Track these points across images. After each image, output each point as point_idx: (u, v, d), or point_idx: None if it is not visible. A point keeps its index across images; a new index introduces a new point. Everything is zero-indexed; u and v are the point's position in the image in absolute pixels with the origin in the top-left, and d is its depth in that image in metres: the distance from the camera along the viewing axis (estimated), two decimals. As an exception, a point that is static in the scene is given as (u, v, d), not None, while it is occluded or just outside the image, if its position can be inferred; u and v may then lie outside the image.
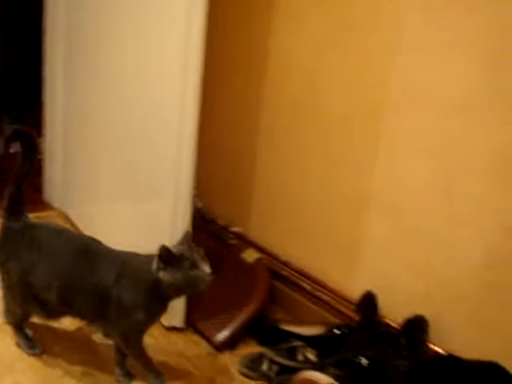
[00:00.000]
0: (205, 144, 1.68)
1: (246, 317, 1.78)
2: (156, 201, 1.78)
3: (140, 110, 1.80)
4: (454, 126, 1.48)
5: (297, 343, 1.66)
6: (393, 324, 1.61)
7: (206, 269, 1.41)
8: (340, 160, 1.76)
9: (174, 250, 1.40)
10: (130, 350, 1.52)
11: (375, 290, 1.66)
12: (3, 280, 1.56)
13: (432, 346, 1.53)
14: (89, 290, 1.45)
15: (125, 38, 1.83)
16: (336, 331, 1.68)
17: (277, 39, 1.89)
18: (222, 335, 1.74)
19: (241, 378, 1.63)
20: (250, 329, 1.79)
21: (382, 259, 1.68)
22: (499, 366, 1.21)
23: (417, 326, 1.55)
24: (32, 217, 1.58)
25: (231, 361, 1.68)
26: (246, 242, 2.04)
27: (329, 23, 1.74)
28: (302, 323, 1.78)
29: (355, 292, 1.70)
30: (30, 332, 1.62)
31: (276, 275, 1.93)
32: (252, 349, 1.73)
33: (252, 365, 1.64)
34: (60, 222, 2.23)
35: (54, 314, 1.55)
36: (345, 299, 1.76)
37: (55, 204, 2.41)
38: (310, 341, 1.67)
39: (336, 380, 1.38)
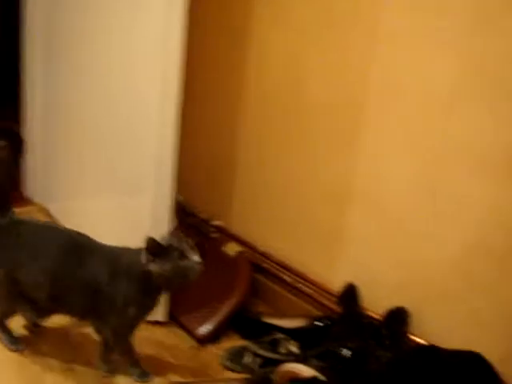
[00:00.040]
0: (186, 138, 1.68)
1: (228, 310, 1.78)
2: (137, 195, 1.77)
3: (119, 104, 1.79)
4: (434, 121, 1.49)
5: (279, 336, 1.67)
6: (374, 316, 1.62)
7: (196, 258, 1.40)
8: (322, 153, 1.76)
9: (162, 241, 1.40)
10: (119, 345, 1.52)
11: (357, 282, 1.67)
12: None
13: (413, 336, 1.55)
14: (80, 285, 1.44)
15: (107, 33, 1.82)
16: (318, 323, 1.69)
17: (258, 31, 1.89)
18: (205, 329, 1.74)
19: (224, 371, 1.63)
20: (233, 322, 1.79)
21: (364, 251, 1.69)
22: (479, 355, 1.23)
23: (398, 318, 1.56)
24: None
25: (214, 354, 1.69)
26: (228, 236, 2.04)
27: (310, 16, 1.74)
28: (284, 316, 1.79)
29: (337, 284, 1.71)
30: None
31: (258, 268, 1.94)
32: (234, 342, 1.73)
33: (235, 358, 1.64)
34: (41, 217, 2.21)
35: (43, 312, 1.53)
36: (326, 291, 1.77)
37: (36, 199, 2.39)
38: (292, 333, 1.67)
39: (319, 372, 1.39)
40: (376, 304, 1.62)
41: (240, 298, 1.81)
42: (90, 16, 1.90)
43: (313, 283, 1.81)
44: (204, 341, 1.73)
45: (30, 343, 1.61)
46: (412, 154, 1.54)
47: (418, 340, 1.54)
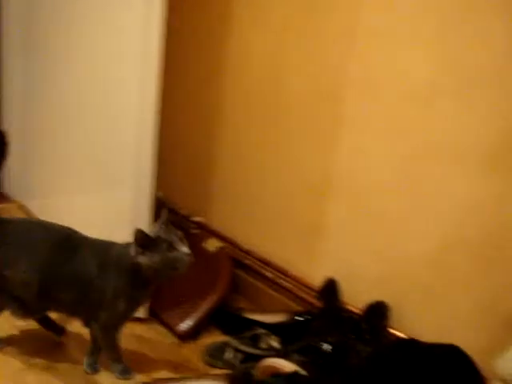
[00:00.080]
0: (166, 133, 1.68)
1: (209, 306, 1.78)
2: (117, 191, 1.77)
3: (99, 99, 1.78)
4: (414, 117, 1.50)
5: (260, 331, 1.67)
6: (354, 310, 1.63)
7: (185, 249, 1.40)
8: (302, 149, 1.77)
9: (150, 233, 1.39)
10: (107, 340, 1.51)
11: (337, 277, 1.68)
12: None
13: (393, 330, 1.56)
14: (69, 279, 1.43)
15: (84, 24, 1.81)
16: (299, 318, 1.69)
17: (238, 32, 1.89)
18: (186, 325, 1.74)
19: (205, 366, 1.63)
20: (213, 318, 1.79)
21: (344, 246, 1.70)
22: (458, 348, 1.24)
23: (378, 312, 1.57)
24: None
25: (195, 350, 1.68)
26: (208, 232, 2.04)
27: (288, 8, 1.74)
28: (264, 311, 1.79)
29: (317, 279, 1.72)
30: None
31: (238, 264, 1.94)
32: (215, 338, 1.73)
33: (216, 353, 1.64)
34: (21, 215, 2.21)
35: (31, 311, 1.52)
36: (307, 286, 1.78)
37: (15, 196, 2.37)
38: (273, 328, 1.68)
39: (300, 366, 1.39)
40: (356, 298, 1.63)
41: (221, 293, 1.81)
42: (68, 7, 1.88)
43: (293, 278, 1.82)
44: (185, 337, 1.73)
45: (12, 341, 1.60)
46: (392, 150, 1.55)
47: (397, 334, 1.55)
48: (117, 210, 1.75)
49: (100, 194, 1.85)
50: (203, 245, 1.96)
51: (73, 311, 1.51)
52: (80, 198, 1.96)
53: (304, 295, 1.77)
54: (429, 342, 1.30)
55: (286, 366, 1.39)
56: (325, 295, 1.68)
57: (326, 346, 1.48)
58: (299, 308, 1.77)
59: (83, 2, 1.80)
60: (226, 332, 1.76)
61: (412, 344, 1.33)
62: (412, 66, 1.49)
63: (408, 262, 1.55)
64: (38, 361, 1.54)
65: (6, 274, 1.44)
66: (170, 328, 1.75)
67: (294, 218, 1.82)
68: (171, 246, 1.39)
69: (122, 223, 1.65)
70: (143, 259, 1.38)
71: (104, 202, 1.83)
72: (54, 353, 1.59)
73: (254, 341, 1.65)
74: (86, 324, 1.52)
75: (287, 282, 1.83)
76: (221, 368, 1.61)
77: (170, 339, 1.73)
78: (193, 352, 1.68)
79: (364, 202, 1.63)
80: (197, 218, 2.08)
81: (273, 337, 1.65)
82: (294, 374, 1.36)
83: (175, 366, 1.61)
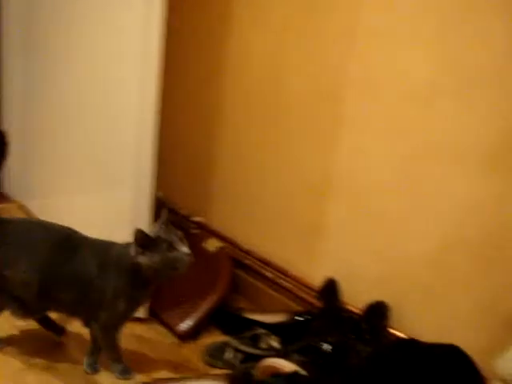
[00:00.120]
0: (166, 134, 1.68)
1: (209, 306, 1.78)
2: (117, 191, 1.77)
3: (100, 99, 1.78)
4: (414, 117, 1.50)
5: (260, 331, 1.67)
6: (354, 310, 1.63)
7: (185, 249, 1.40)
8: (302, 149, 1.77)
9: (150, 233, 1.39)
10: (107, 340, 1.51)
11: (337, 277, 1.68)
12: None
13: (393, 330, 1.56)
14: (69, 279, 1.43)
15: (84, 25, 1.81)
16: (299, 318, 1.69)
17: (239, 32, 1.89)
18: (186, 325, 1.74)
19: (205, 366, 1.62)
20: (214, 318, 1.79)
21: (344, 247, 1.70)
22: (458, 348, 1.24)
23: (378, 312, 1.58)
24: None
25: (195, 350, 1.68)
26: (208, 232, 2.04)
27: (288, 8, 1.74)
28: (264, 311, 1.79)
29: (317, 279, 1.72)
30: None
31: (238, 264, 1.94)
32: (216, 338, 1.73)
33: (216, 353, 1.64)
34: (21, 215, 2.20)
35: (31, 311, 1.52)
36: (307, 286, 1.78)
37: (15, 196, 2.37)
38: (273, 328, 1.68)
39: (300, 366, 1.39)
40: (356, 298, 1.63)
41: (221, 293, 1.81)
42: (68, 7, 1.88)
43: (293, 278, 1.82)
44: (185, 337, 1.73)
45: (12, 341, 1.60)
46: (392, 150, 1.55)
47: (397, 334, 1.55)
48: (117, 209, 1.75)
49: (100, 193, 1.85)
50: (203, 245, 1.96)
51: (73, 311, 1.51)
52: (80, 198, 1.96)
53: (304, 295, 1.77)
54: (429, 342, 1.30)
55: (286, 366, 1.39)
56: (325, 295, 1.68)
57: (326, 346, 1.48)
58: (299, 308, 1.77)
59: (83, 2, 1.80)
60: (225, 332, 1.76)
61: (412, 344, 1.33)
62: (412, 66, 1.49)
63: (408, 262, 1.55)
64: (37, 361, 1.54)
65: (5, 274, 1.44)
66: (170, 328, 1.75)
67: (294, 217, 1.82)
68: (171, 246, 1.39)
69: (122, 223, 1.65)
70: (143, 259, 1.38)
71: (104, 202, 1.83)
72: (53, 353, 1.59)
73: (254, 341, 1.65)
74: (86, 324, 1.52)
75: (287, 281, 1.83)
76: (221, 368, 1.61)
77: (170, 339, 1.73)
78: (193, 352, 1.68)
79: (364, 202, 1.63)
80: (197, 218, 2.09)
81: (273, 337, 1.65)
82: (294, 374, 1.36)
83: (175, 366, 1.61)
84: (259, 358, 1.49)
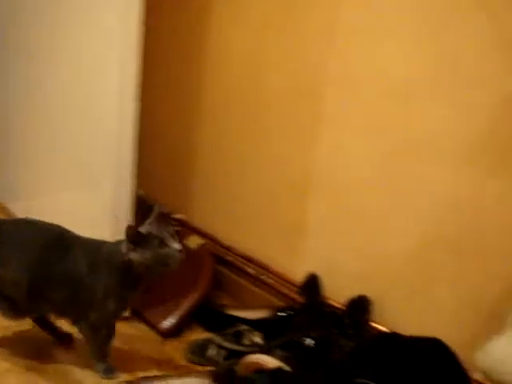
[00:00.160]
0: (146, 131, 1.67)
1: (191, 303, 1.78)
2: (97, 190, 1.76)
3: (77, 99, 1.78)
4: (393, 114, 1.51)
5: (243, 327, 1.68)
6: (336, 305, 1.65)
7: (176, 246, 1.40)
8: (282, 146, 1.77)
9: (142, 230, 1.39)
10: (95, 339, 1.50)
11: (318, 272, 1.69)
12: None
13: (375, 324, 1.58)
14: (60, 278, 1.42)
15: (67, 30, 1.80)
16: (281, 314, 1.70)
17: (217, 21, 1.89)
18: (168, 322, 1.74)
19: (188, 364, 1.63)
20: (196, 315, 1.79)
21: (324, 244, 1.71)
22: (440, 341, 1.26)
23: (360, 306, 1.59)
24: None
25: (178, 347, 1.69)
26: (190, 229, 2.04)
27: (268, 5, 1.75)
28: (247, 307, 1.80)
29: (299, 274, 1.73)
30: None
31: (220, 261, 1.94)
32: (198, 335, 1.74)
33: (199, 351, 1.65)
34: (2, 217, 2.18)
35: (22, 311, 1.51)
36: (289, 282, 1.79)
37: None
38: (255, 324, 1.69)
39: (283, 362, 1.40)
40: (338, 293, 1.65)
41: (203, 290, 1.81)
42: (52, 9, 1.87)
43: (275, 274, 1.83)
44: (168, 334, 1.73)
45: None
46: (371, 147, 1.57)
47: (380, 328, 1.57)
48: (98, 209, 1.74)
49: (81, 194, 1.84)
50: (184, 242, 1.95)
51: (62, 311, 1.50)
52: (60, 198, 1.95)
53: (286, 291, 1.78)
54: (411, 335, 1.32)
55: (270, 361, 1.40)
56: (307, 291, 1.69)
57: (309, 341, 1.49)
58: (281, 304, 1.77)
59: (67, 3, 1.79)
60: (208, 329, 1.76)
61: (394, 338, 1.35)
62: (391, 63, 1.50)
63: (388, 259, 1.56)
64: (21, 362, 1.53)
65: None
66: (153, 326, 1.75)
67: (275, 214, 1.82)
68: (162, 243, 1.39)
69: (103, 223, 1.65)
70: (134, 256, 1.38)
71: (85, 202, 1.82)
72: (37, 355, 1.57)
73: (237, 337, 1.65)
74: (74, 323, 1.51)
75: (269, 277, 1.84)
76: (204, 365, 1.61)
77: (152, 337, 1.73)
78: (176, 349, 1.68)
79: (344, 200, 1.65)
80: (178, 215, 2.08)
81: (256, 333, 1.66)
82: (278, 369, 1.36)
83: (158, 364, 1.61)
84: (242, 354, 1.50)
